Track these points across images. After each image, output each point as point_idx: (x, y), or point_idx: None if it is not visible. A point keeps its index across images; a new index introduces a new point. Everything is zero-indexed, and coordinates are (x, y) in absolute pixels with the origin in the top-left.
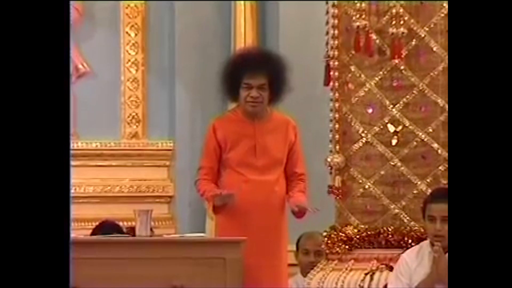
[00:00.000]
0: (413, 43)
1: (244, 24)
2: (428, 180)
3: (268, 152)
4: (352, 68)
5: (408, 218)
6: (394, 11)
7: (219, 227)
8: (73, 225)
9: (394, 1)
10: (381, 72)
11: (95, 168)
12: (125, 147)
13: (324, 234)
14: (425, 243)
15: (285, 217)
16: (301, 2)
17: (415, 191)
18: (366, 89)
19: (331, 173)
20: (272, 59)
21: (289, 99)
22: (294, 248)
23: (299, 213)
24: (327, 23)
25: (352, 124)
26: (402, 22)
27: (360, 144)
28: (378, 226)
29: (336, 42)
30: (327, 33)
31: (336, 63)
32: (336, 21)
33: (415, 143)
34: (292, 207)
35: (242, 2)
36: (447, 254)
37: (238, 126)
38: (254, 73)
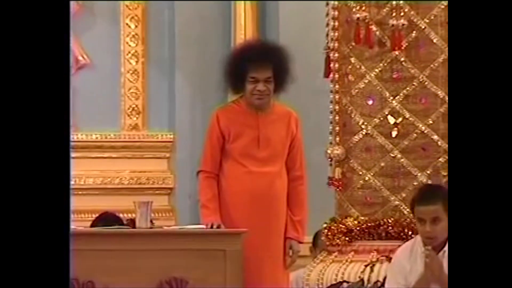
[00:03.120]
0: (413, 34)
1: (244, 15)
2: (428, 172)
3: (271, 144)
4: (352, 59)
5: (408, 210)
6: (394, 2)
7: (220, 219)
8: (73, 216)
9: None
10: (381, 64)
11: (95, 160)
12: (125, 139)
13: (324, 225)
14: (418, 239)
15: (286, 209)
16: None
17: (415, 183)
18: (366, 81)
19: (331, 164)
20: (276, 52)
21: (289, 90)
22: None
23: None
24: (327, 14)
25: (352, 115)
26: (402, 13)
27: (360, 135)
28: (378, 217)
29: (336, 33)
30: (327, 24)
31: (336, 54)
32: (336, 13)
33: (415, 134)
34: (288, 245)
35: None
36: (439, 254)
37: (241, 117)
38: (260, 67)
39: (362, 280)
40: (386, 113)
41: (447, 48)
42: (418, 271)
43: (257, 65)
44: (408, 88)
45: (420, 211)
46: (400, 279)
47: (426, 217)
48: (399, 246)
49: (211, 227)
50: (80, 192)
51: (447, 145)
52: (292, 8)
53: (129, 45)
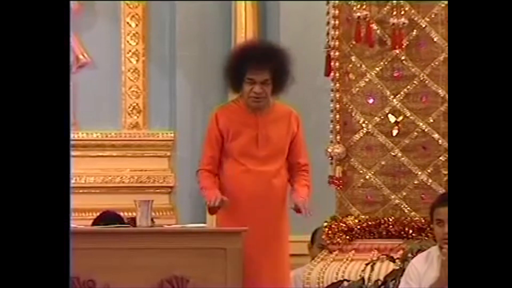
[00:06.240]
0: (414, 33)
1: (245, 13)
2: (428, 171)
3: (270, 143)
4: (353, 58)
5: (408, 208)
6: (394, 1)
7: (220, 218)
8: (73, 215)
9: None
10: (382, 63)
11: (95, 159)
12: (126, 137)
13: (325, 224)
14: (434, 248)
15: (286, 207)
16: None
17: (415, 182)
18: (367, 80)
19: (331, 163)
20: (276, 54)
21: (290, 89)
22: (296, 239)
23: (298, 211)
24: (328, 13)
25: (353, 114)
26: (403, 12)
27: (361, 134)
28: (378, 216)
29: (336, 32)
30: (328, 23)
31: (337, 53)
32: (336, 11)
33: (415, 133)
34: (293, 203)
35: None
36: None
37: (240, 116)
38: (258, 69)
39: (362, 278)
40: (387, 111)
41: (447, 47)
42: (433, 275)
43: (255, 67)
44: (408, 87)
45: (439, 212)
46: (412, 282)
47: (444, 218)
48: (400, 244)
49: (215, 201)
50: (80, 191)
51: (447, 144)
52: (292, 7)
53: (130, 44)
